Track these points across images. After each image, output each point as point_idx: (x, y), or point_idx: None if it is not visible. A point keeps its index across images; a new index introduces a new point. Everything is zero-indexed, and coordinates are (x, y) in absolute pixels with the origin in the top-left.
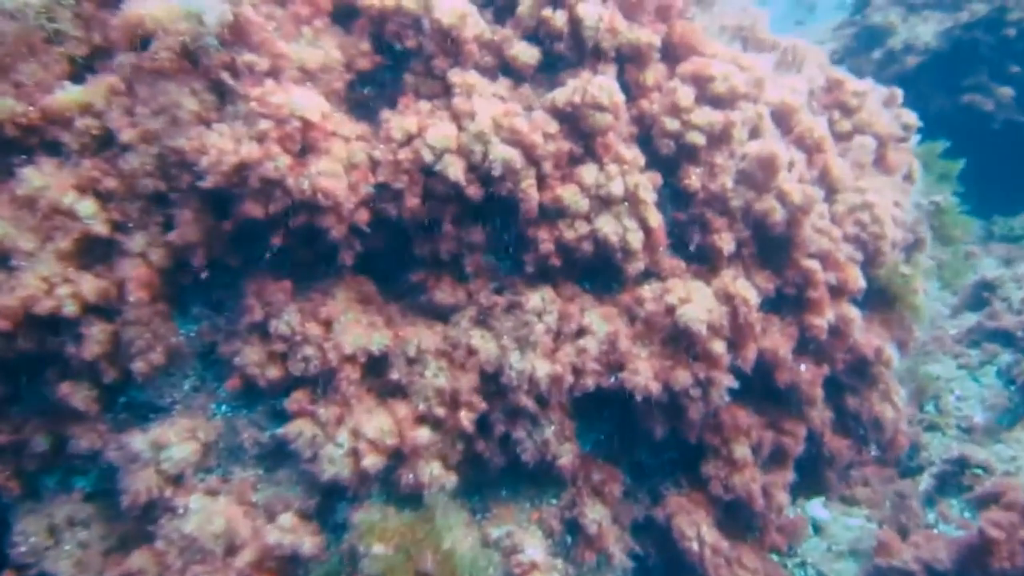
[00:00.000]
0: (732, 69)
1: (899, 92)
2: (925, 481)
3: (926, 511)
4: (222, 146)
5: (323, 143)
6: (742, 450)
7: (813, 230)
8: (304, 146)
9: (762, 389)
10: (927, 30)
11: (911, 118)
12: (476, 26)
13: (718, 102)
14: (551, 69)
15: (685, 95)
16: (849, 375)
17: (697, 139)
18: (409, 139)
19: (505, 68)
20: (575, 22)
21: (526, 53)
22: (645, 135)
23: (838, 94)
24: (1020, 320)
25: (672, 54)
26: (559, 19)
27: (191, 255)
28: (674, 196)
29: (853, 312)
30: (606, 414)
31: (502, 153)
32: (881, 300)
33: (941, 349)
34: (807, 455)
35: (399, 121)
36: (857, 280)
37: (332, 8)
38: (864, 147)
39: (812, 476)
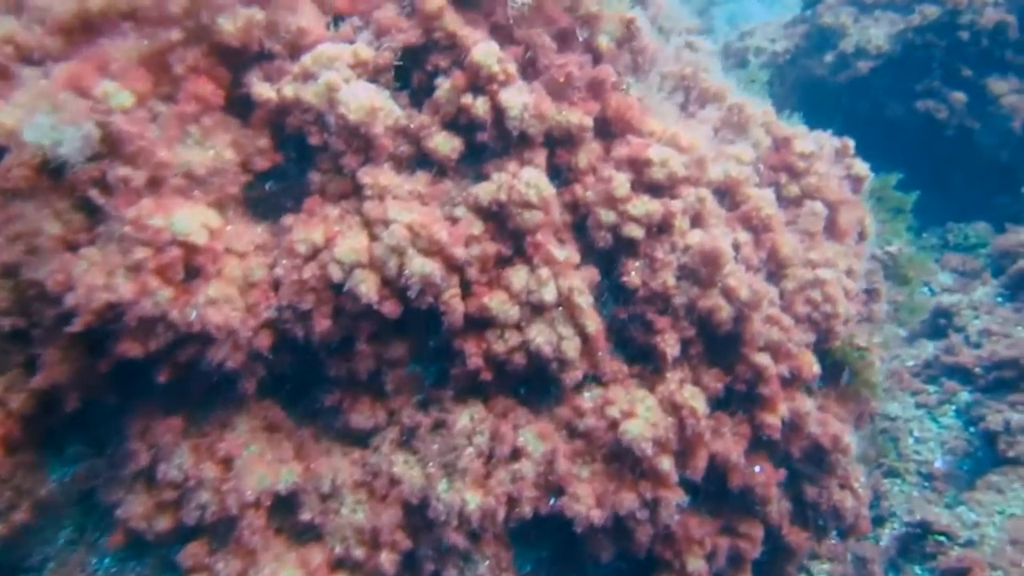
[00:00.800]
0: (670, 153)
1: (850, 144)
2: (887, 538)
3: None
4: (91, 281)
5: (212, 266)
6: (696, 563)
7: (763, 321)
8: (191, 271)
9: (715, 491)
10: (879, 32)
11: (862, 169)
12: (389, 117)
13: (657, 189)
14: (475, 157)
15: (621, 184)
16: (806, 464)
17: (635, 232)
18: (315, 252)
19: (423, 159)
20: (499, 110)
21: (446, 145)
22: (581, 221)
23: (785, 155)
24: (977, 356)
25: (607, 130)
26: (481, 107)
27: (62, 398)
28: (615, 288)
29: (807, 404)
30: (548, 530)
31: (420, 267)
32: (835, 375)
33: (899, 385)
34: (766, 548)
35: (304, 232)
36: (811, 367)
37: (225, 101)
38: (814, 215)
39: (771, 570)
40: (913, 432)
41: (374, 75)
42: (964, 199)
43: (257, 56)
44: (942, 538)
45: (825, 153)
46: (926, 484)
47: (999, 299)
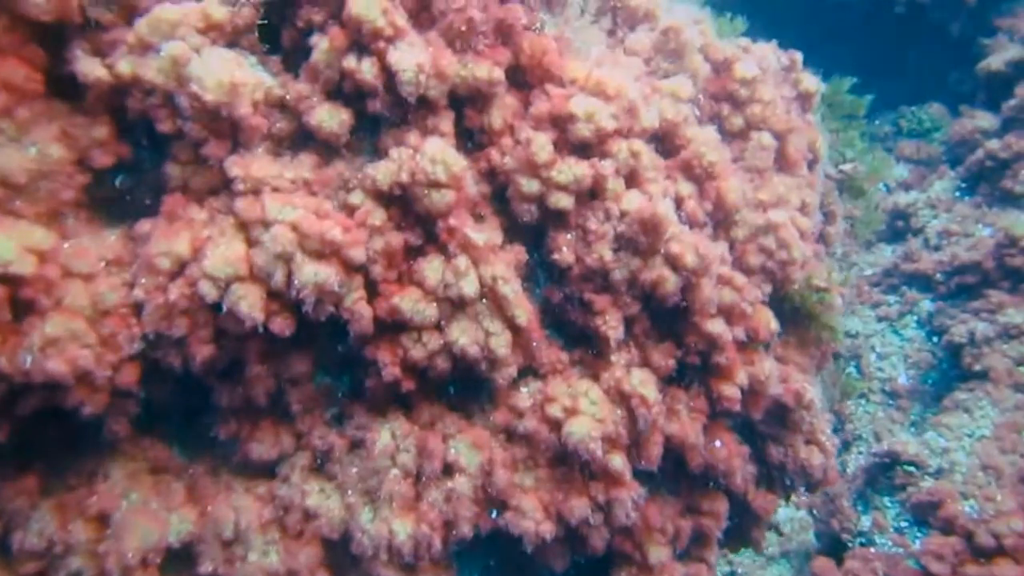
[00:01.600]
0: (596, 105)
1: (798, 58)
2: (852, 466)
3: (859, 514)
4: None
5: (47, 297)
6: (657, 552)
7: (713, 283)
8: (20, 307)
9: (673, 472)
10: None
11: (811, 84)
12: (257, 90)
13: (584, 148)
14: (369, 125)
15: (542, 146)
16: (769, 424)
17: (563, 202)
18: (181, 267)
19: (306, 136)
20: (390, 74)
21: (332, 119)
22: (501, 191)
23: (726, 81)
24: (938, 261)
25: (523, 79)
26: (368, 71)
27: None
28: (546, 264)
29: (767, 366)
30: (495, 540)
31: (312, 275)
32: (794, 321)
33: (858, 298)
34: (731, 514)
35: (165, 243)
36: (769, 325)
37: (47, 84)
38: (762, 149)
39: (738, 534)
40: (875, 348)
41: (233, 38)
42: (917, 79)
43: (82, 25)
44: (911, 468)
45: (770, 71)
46: (891, 403)
47: (957, 193)
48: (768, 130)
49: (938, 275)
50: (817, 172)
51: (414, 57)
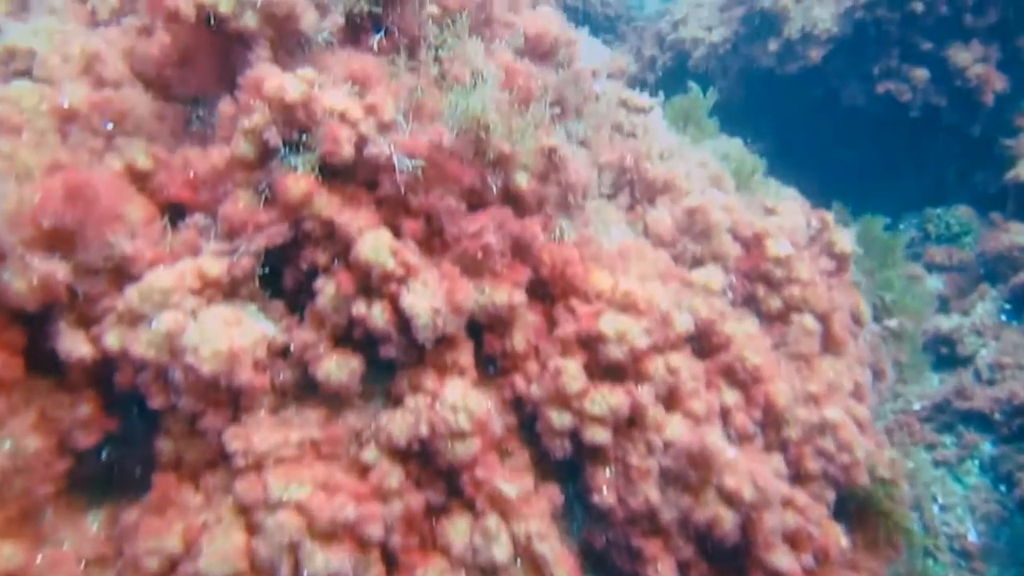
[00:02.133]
0: (627, 324)
1: (829, 219)
2: None
3: None
4: None
5: None
6: None
7: (776, 513)
8: None
9: None
10: (824, 13)
11: (846, 244)
12: (259, 347)
13: (617, 371)
14: (382, 369)
15: (573, 376)
16: None
17: (600, 435)
18: (172, 566)
19: (312, 384)
20: (404, 318)
21: (341, 371)
22: (529, 421)
23: (759, 259)
24: (994, 398)
25: (544, 291)
26: (379, 317)
27: None
28: (581, 496)
29: None
30: None
31: (324, 566)
32: (860, 517)
33: (910, 437)
34: None
35: (154, 539)
36: (838, 542)
37: (26, 359)
38: (807, 334)
39: None
40: (936, 498)
41: (232, 290)
42: (938, 178)
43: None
44: None
45: (799, 228)
46: (962, 563)
47: (1003, 317)
48: (810, 312)
49: (996, 414)
50: (863, 343)
51: (428, 300)
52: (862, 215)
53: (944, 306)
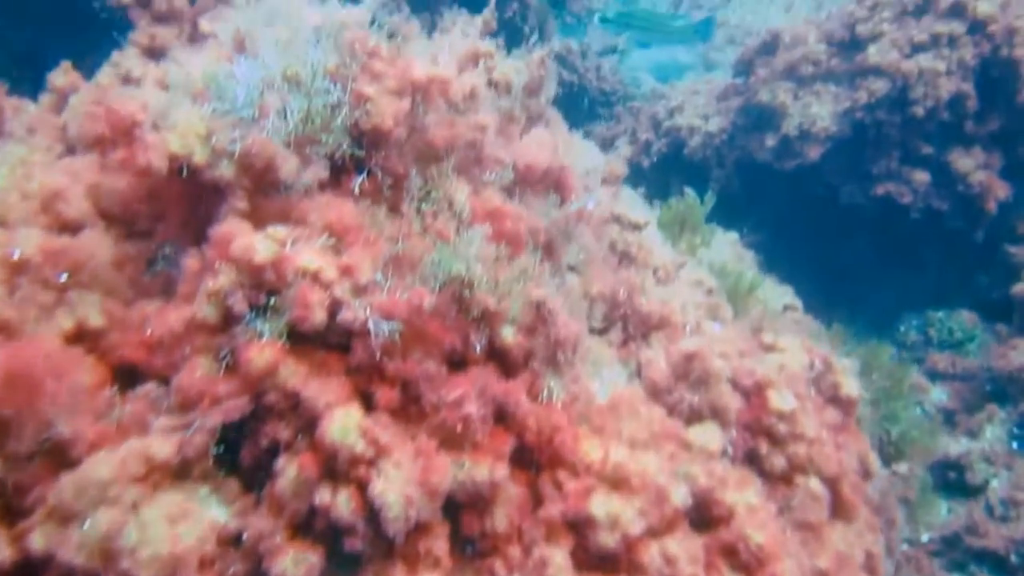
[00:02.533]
0: (619, 507)
1: (833, 361)
2: None
3: None
4: None
5: None
6: None
7: None
8: None
9: None
10: (823, 111)
11: (851, 389)
12: (207, 541)
13: (609, 561)
14: (345, 562)
15: (559, 567)
16: None
17: None
18: None
19: None
20: (372, 507)
21: (298, 566)
22: None
23: (760, 412)
24: (1008, 537)
25: (528, 458)
26: (344, 505)
27: None
28: None
29: None
30: None
31: None
32: None
33: (919, 573)
34: None
35: None
36: None
37: None
38: (812, 499)
39: None
40: None
41: (181, 473)
42: (940, 280)
43: None
44: None
45: (803, 369)
46: None
47: (1015, 444)
48: (816, 474)
49: (1012, 557)
50: (872, 488)
51: (401, 487)
52: (863, 314)
53: (950, 420)
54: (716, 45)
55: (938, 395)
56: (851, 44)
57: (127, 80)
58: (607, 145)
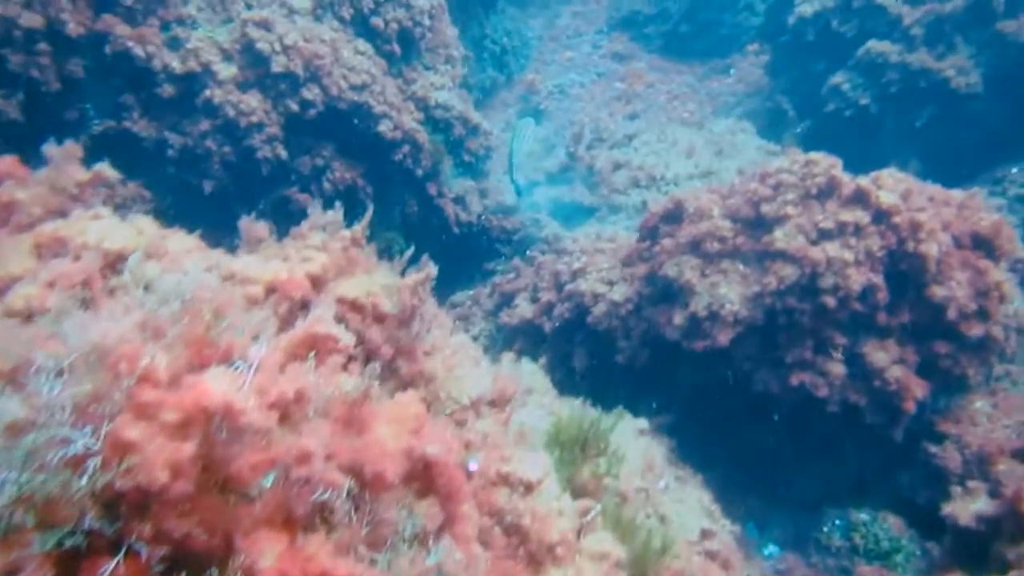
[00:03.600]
0: None
1: None
2: None
3: None
4: None
5: None
6: None
7: None
8: None
9: None
10: (732, 293)
11: None
12: None
13: None
14: None
15: None
16: None
17: None
18: None
19: None
20: None
21: None
22: None
23: None
24: None
25: None
26: None
27: None
28: None
29: None
30: None
31: None
32: None
33: None
34: None
35: None
36: None
37: None
38: None
39: None
40: None
41: None
42: (860, 473)
43: None
44: None
45: None
46: None
47: None
48: None
49: None
50: None
51: None
52: (782, 503)
53: None
54: (619, 187)
55: None
56: (756, 223)
57: None
58: (507, 301)
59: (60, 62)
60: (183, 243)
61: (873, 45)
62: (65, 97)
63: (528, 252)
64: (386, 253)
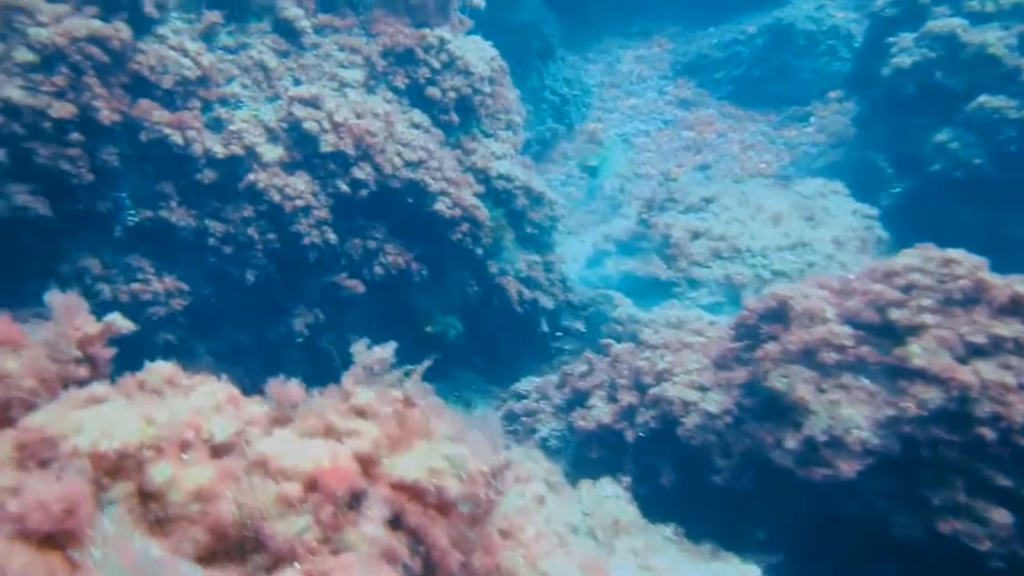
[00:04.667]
0: None
1: None
2: None
3: None
4: None
5: None
6: None
7: None
8: None
9: None
10: (858, 416)
11: None
12: None
13: None
14: None
15: None
16: None
17: None
18: None
19: None
20: None
21: None
22: None
23: None
24: None
25: None
26: None
27: None
28: None
29: None
30: None
31: None
32: None
33: None
34: None
35: None
36: None
37: None
38: None
39: None
40: None
41: None
42: None
43: None
44: None
45: None
46: None
47: None
48: None
49: None
50: None
51: None
52: None
53: None
54: (699, 258)
55: None
56: (883, 330)
57: None
58: (580, 399)
59: (92, 152)
60: (211, 396)
61: (986, 100)
62: (98, 188)
63: (601, 340)
64: (443, 338)
